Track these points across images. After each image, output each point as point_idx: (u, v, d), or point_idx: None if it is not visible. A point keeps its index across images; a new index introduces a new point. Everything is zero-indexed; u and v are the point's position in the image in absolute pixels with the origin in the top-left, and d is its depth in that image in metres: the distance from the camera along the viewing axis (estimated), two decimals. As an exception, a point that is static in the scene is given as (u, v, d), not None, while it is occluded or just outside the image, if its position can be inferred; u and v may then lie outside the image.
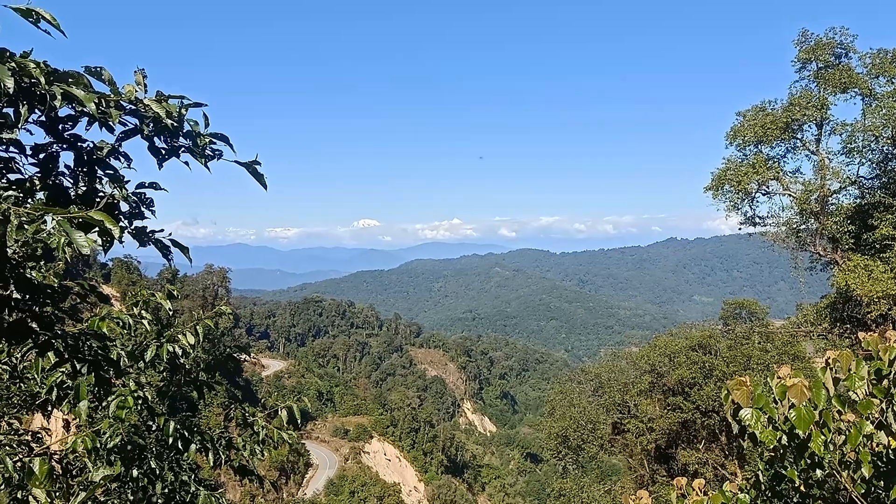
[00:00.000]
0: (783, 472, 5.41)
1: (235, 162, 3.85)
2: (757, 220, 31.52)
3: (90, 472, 5.61)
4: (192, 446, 6.46)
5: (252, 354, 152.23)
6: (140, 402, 5.96)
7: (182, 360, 6.38)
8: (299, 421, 7.65)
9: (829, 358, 5.26)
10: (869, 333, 5.32)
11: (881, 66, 28.18)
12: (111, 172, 3.63)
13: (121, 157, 3.69)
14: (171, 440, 6.09)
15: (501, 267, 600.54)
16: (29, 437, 6.70)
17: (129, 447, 5.99)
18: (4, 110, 3.11)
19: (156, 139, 3.60)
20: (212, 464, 6.53)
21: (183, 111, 3.55)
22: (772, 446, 5.12)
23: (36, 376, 5.61)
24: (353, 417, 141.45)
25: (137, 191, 3.78)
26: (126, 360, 6.00)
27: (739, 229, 32.38)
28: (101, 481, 5.47)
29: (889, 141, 27.85)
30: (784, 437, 5.03)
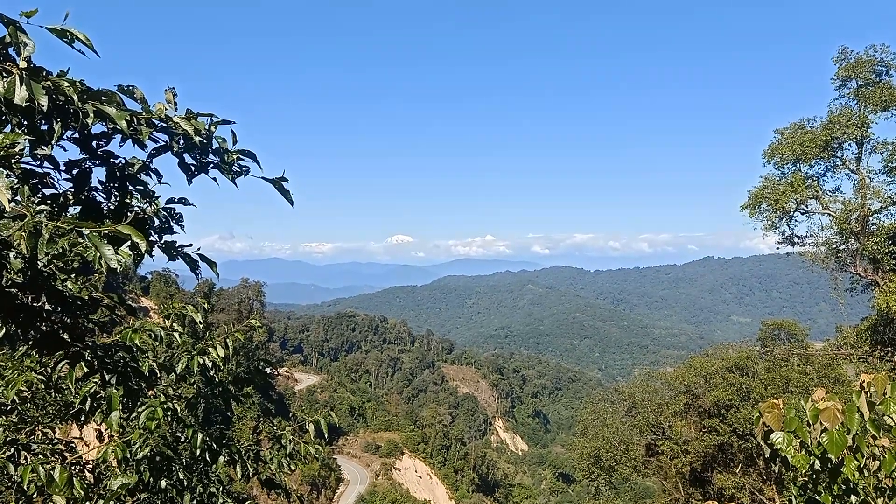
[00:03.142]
0: (817, 497, 5.27)
1: (262, 178, 3.93)
2: (795, 239, 30.95)
3: (110, 480, 5.72)
4: (221, 458, 6.53)
5: (285, 368, 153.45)
6: (170, 413, 6.05)
7: (212, 373, 6.46)
8: (326, 435, 7.68)
9: (863, 381, 5.13)
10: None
11: (924, 84, 27.61)
12: (142, 188, 3.73)
13: (152, 174, 3.79)
14: (198, 452, 6.16)
15: (534, 284, 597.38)
16: (63, 447, 6.85)
17: (157, 458, 6.08)
18: (40, 127, 3.22)
19: (185, 156, 3.69)
20: (239, 476, 6.59)
21: (212, 128, 3.65)
22: (804, 471, 5.00)
23: (70, 386, 5.74)
24: (384, 433, 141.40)
25: (167, 206, 3.88)
26: (157, 371, 6.11)
27: (777, 249, 31.82)
28: (119, 489, 5.56)
29: (933, 159, 27.20)
30: (817, 461, 4.91)
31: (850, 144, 29.62)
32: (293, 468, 7.28)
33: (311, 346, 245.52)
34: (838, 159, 29.98)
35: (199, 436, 6.14)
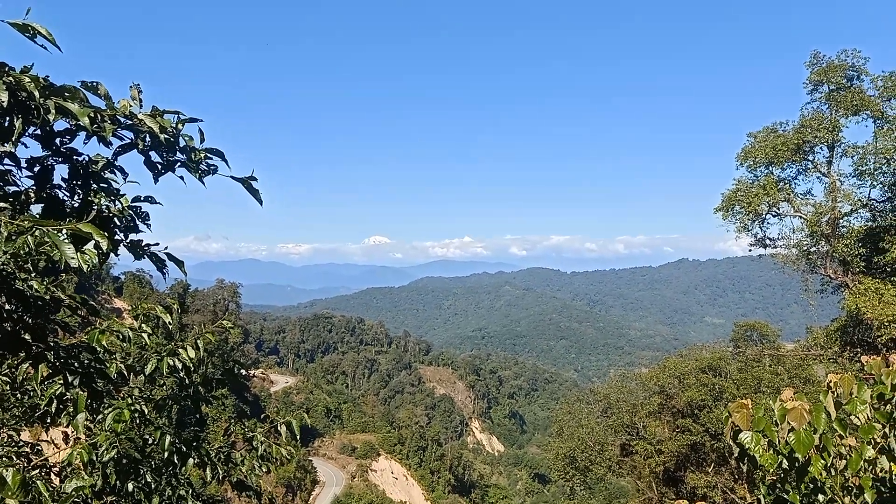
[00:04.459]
0: (785, 496, 5.33)
1: (231, 177, 3.87)
2: (767, 241, 31.34)
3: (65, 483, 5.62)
4: (190, 461, 6.45)
5: (261, 370, 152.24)
6: (137, 415, 5.95)
7: (182, 374, 6.37)
8: (299, 437, 7.62)
9: (831, 381, 5.20)
10: (872, 357, 5.27)
11: (893, 90, 28.10)
12: (106, 186, 3.66)
13: (116, 171, 3.72)
14: (166, 454, 6.07)
15: (512, 285, 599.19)
16: (28, 449, 6.72)
17: (124, 461, 5.98)
18: (1, 124, 3.14)
19: (151, 154, 3.63)
20: (209, 478, 6.51)
21: (178, 126, 3.59)
22: (772, 470, 5.05)
23: (36, 388, 5.63)
24: (360, 435, 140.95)
25: (133, 204, 3.81)
26: (125, 373, 6.01)
27: (750, 251, 32.20)
28: (74, 493, 5.46)
29: (901, 164, 27.69)
30: (784, 460, 4.97)
31: (821, 148, 30.06)
32: (265, 470, 7.21)
33: (287, 347, 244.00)
34: (810, 163, 30.42)
35: (168, 438, 6.06)
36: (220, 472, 6.72)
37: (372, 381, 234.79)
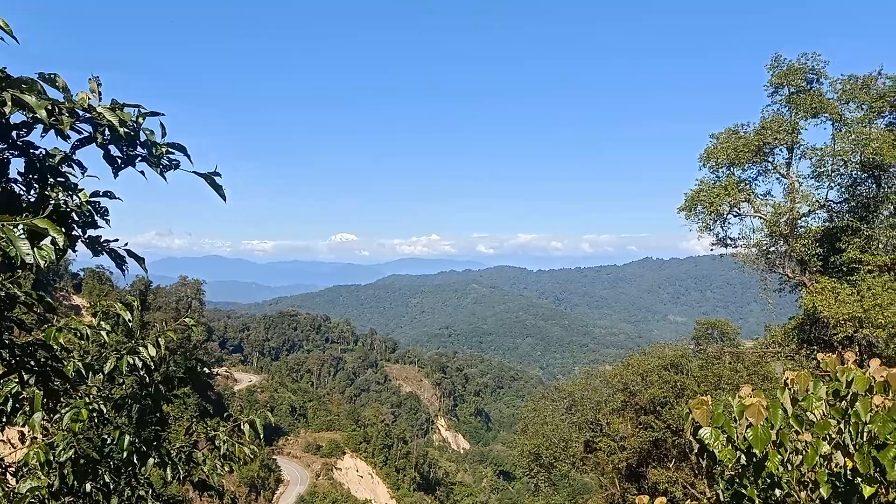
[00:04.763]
0: (743, 491, 5.43)
1: (194, 172, 3.81)
2: (728, 241, 31.87)
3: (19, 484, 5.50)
4: (150, 461, 6.34)
5: (225, 368, 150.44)
6: (95, 415, 5.84)
7: (142, 373, 6.26)
8: (262, 435, 7.55)
9: (787, 378, 5.32)
10: (828, 355, 5.40)
11: (851, 93, 28.78)
12: (63, 180, 3.57)
13: (74, 165, 3.64)
14: (126, 454, 5.96)
15: (479, 284, 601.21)
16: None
17: (82, 461, 5.86)
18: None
19: (111, 148, 3.55)
20: (170, 478, 6.42)
21: (139, 120, 3.52)
22: (730, 465, 5.15)
23: (-11, 387, 5.48)
24: (325, 433, 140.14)
25: (92, 199, 3.73)
26: (84, 372, 5.89)
27: (711, 250, 32.73)
28: (28, 493, 5.34)
29: (857, 166, 28.41)
30: (742, 456, 5.06)
31: (781, 150, 30.68)
32: (228, 469, 7.13)
33: (251, 345, 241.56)
34: (770, 164, 31.03)
35: (127, 437, 5.95)
36: (182, 471, 6.62)
37: (337, 380, 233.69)
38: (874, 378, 4.88)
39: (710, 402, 5.29)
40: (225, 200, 3.99)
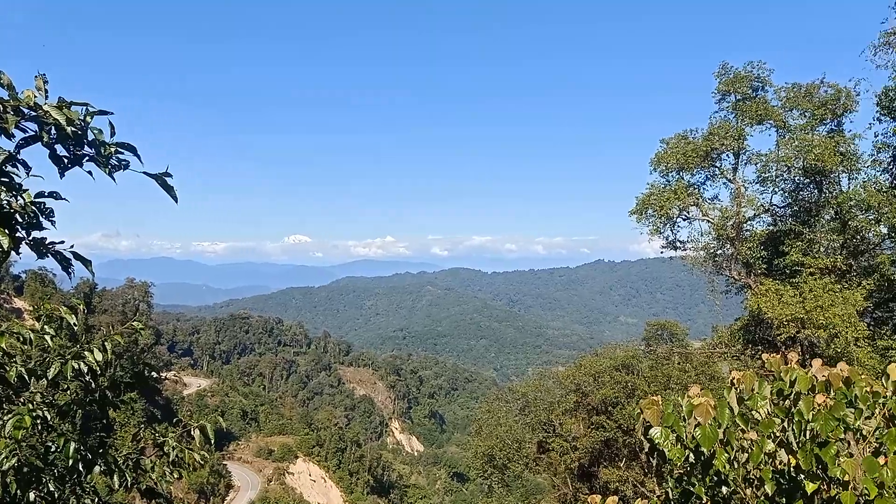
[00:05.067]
0: (691, 488, 5.55)
1: (144, 173, 3.72)
2: (678, 244, 32.59)
3: None
4: (96, 468, 6.17)
5: (173, 372, 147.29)
6: (39, 421, 5.65)
7: (88, 378, 6.08)
8: (213, 441, 7.41)
9: (734, 378, 5.45)
10: (772, 355, 5.55)
11: (794, 100, 29.73)
12: (7, 180, 3.45)
13: (19, 165, 3.52)
14: (71, 462, 5.79)
15: (434, 286, 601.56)
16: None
17: (25, 469, 5.67)
18: None
19: (57, 147, 3.44)
20: (117, 486, 6.25)
21: (87, 119, 3.42)
22: (679, 464, 5.25)
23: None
24: (277, 437, 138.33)
25: (37, 200, 3.61)
26: (26, 377, 5.69)
27: (661, 252, 33.42)
28: None
29: (800, 171, 29.35)
30: (691, 454, 5.17)
31: (727, 155, 31.53)
32: (177, 476, 6.98)
33: (201, 348, 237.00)
34: (717, 169, 31.84)
35: (72, 445, 5.77)
36: (129, 479, 6.46)
37: (290, 383, 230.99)
38: (816, 377, 5.04)
39: (660, 403, 5.39)
40: (177, 202, 3.92)
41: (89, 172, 3.59)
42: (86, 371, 5.93)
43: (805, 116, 29.59)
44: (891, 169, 30.84)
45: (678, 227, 32.24)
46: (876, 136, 30.68)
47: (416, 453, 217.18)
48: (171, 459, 6.86)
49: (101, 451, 6.14)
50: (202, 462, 7.21)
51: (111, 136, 3.55)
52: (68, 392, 6.24)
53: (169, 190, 3.84)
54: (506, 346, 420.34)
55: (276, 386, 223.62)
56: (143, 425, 7.33)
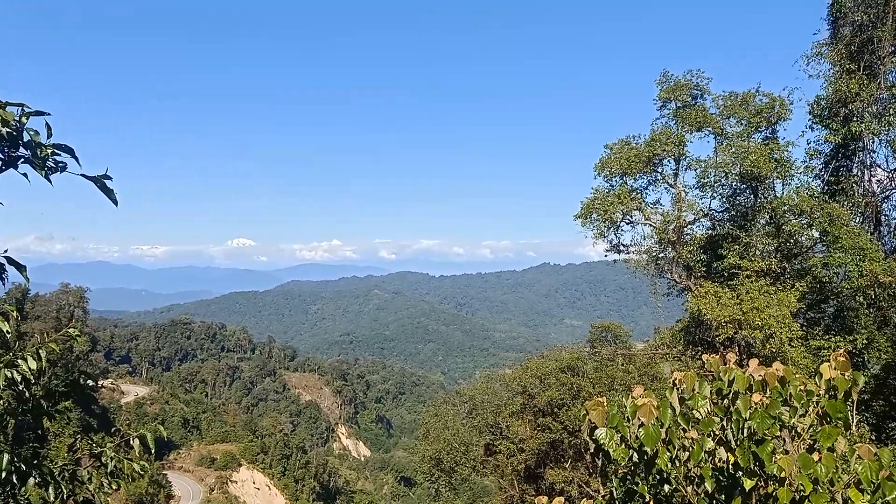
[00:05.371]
0: (634, 487, 5.66)
1: (82, 175, 3.60)
2: (621, 247, 33.21)
3: None
4: (31, 480, 5.94)
5: (110, 380, 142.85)
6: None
7: (21, 387, 5.85)
8: (154, 450, 7.22)
9: (675, 379, 5.59)
10: (712, 356, 5.71)
11: (731, 108, 30.71)
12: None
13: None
14: (4, 474, 5.55)
15: (381, 289, 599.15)
16: None
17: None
18: None
19: (-10, 148, 3.30)
20: (52, 498, 6.03)
21: (22, 119, 3.29)
22: (624, 463, 5.36)
23: None
24: (220, 445, 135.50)
25: (-35, 203, 3.46)
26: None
27: (606, 256, 34.02)
28: None
29: (737, 177, 30.30)
30: (635, 454, 5.28)
31: (668, 161, 32.31)
32: (115, 487, 6.77)
33: (140, 355, 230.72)
34: (659, 174, 32.60)
35: (5, 456, 5.54)
36: (65, 491, 6.24)
37: (234, 389, 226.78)
38: (753, 377, 5.20)
39: (605, 404, 5.49)
40: (116, 205, 3.80)
41: (24, 175, 3.45)
42: (19, 380, 5.72)
43: (741, 124, 30.58)
44: (822, 175, 32.20)
45: (622, 230, 32.88)
46: (808, 144, 32.06)
47: (362, 458, 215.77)
48: (108, 470, 6.66)
49: (35, 462, 5.91)
50: (141, 472, 7.02)
51: (48, 138, 3.43)
52: (0, 402, 5.99)
53: (108, 193, 3.72)
54: (453, 349, 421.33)
55: (219, 393, 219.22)
56: (79, 435, 7.10)
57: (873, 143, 30.52)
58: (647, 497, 5.59)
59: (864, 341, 27.26)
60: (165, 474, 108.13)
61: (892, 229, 31.49)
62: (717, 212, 32.58)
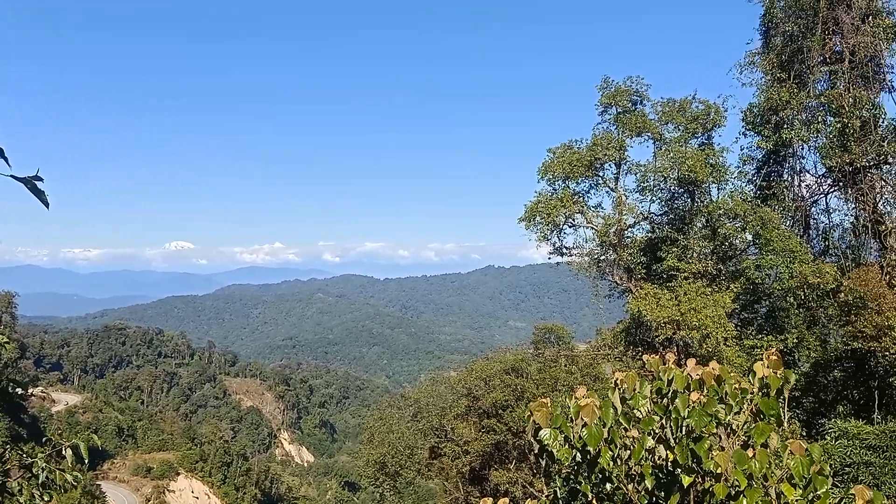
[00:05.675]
0: (577, 487, 5.73)
1: (11, 177, 3.44)
2: (564, 250, 33.75)
3: None
4: (-47, 496, 5.66)
5: (40, 388, 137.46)
6: None
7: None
8: (87, 460, 6.98)
9: (617, 379, 5.69)
10: (651, 356, 5.83)
11: (670, 114, 31.59)
12: None
13: None
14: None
15: (324, 293, 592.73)
16: None
17: None
18: None
19: None
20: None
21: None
22: (567, 463, 5.42)
23: None
24: (157, 454, 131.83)
25: None
26: None
27: (549, 258, 34.50)
28: None
29: (675, 182, 31.18)
30: (578, 453, 5.34)
31: (610, 165, 33.00)
32: (47, 499, 6.53)
33: (72, 362, 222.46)
34: (600, 178, 33.26)
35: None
36: (-9, 505, 5.97)
37: (171, 396, 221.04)
38: (691, 376, 5.33)
39: (549, 404, 5.55)
40: (48, 207, 3.64)
41: (-54, 175, 3.28)
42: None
43: (679, 130, 31.49)
44: (755, 180, 33.42)
45: (564, 233, 33.43)
46: (742, 150, 33.31)
47: (306, 464, 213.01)
48: (40, 481, 6.42)
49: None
50: (74, 483, 6.79)
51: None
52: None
53: (39, 195, 3.56)
54: (398, 352, 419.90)
55: (156, 400, 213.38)
56: (7, 445, 6.80)
57: (803, 149, 31.88)
58: (590, 496, 5.66)
59: (795, 340, 28.39)
60: (99, 485, 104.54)
61: (820, 232, 32.90)
62: (656, 215, 33.40)
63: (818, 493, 4.83)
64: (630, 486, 5.47)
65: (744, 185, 32.82)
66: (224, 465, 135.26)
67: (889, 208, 29.74)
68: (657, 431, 5.38)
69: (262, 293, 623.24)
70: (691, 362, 5.63)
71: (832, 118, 29.65)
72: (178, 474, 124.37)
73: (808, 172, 32.78)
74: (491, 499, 6.42)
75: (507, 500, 6.32)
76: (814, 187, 32.81)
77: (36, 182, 3.56)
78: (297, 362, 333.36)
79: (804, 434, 25.24)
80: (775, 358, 5.34)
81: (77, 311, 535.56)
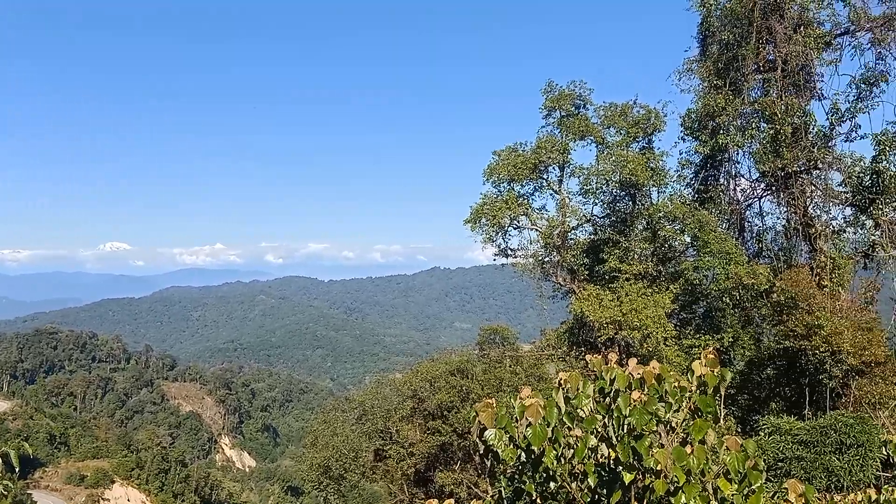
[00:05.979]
0: (522, 486, 5.76)
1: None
2: (509, 251, 34.04)
3: None
4: None
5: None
6: None
7: None
8: (18, 469, 6.69)
9: (560, 379, 5.75)
10: (594, 356, 5.91)
11: (612, 118, 32.22)
12: None
13: None
14: None
15: (267, 295, 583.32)
16: None
17: None
18: None
19: None
20: None
21: None
22: (512, 463, 5.44)
23: None
24: (91, 461, 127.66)
25: None
26: None
27: (494, 260, 34.74)
28: None
29: (617, 185, 31.80)
30: (522, 453, 5.38)
31: (554, 168, 33.45)
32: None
33: (1, 367, 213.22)
34: (545, 181, 33.68)
35: None
36: None
37: (106, 402, 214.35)
38: (632, 375, 5.42)
39: (494, 405, 5.56)
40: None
41: None
42: None
43: (621, 134, 32.13)
44: (693, 184, 34.33)
45: (509, 235, 33.72)
46: (680, 154, 34.15)
47: (247, 469, 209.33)
48: (-37, 494, 6.10)
49: None
50: (4, 493, 6.52)
51: None
52: None
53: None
54: (343, 354, 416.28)
55: (90, 406, 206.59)
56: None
57: (738, 154, 32.89)
58: (535, 495, 5.69)
59: (731, 339, 29.29)
60: (30, 494, 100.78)
61: (754, 235, 33.99)
62: (598, 217, 33.98)
63: (753, 487, 4.98)
64: (573, 485, 5.52)
65: (682, 188, 33.70)
66: (162, 472, 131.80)
67: (819, 212, 30.91)
68: (600, 430, 5.45)
69: (203, 295, 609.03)
70: (633, 362, 5.72)
71: (765, 125, 30.66)
72: (114, 482, 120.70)
73: (743, 177, 33.81)
74: (436, 500, 6.41)
75: (452, 501, 6.32)
76: (748, 191, 33.86)
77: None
78: (238, 365, 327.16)
79: (739, 430, 26.03)
80: (712, 357, 5.48)
81: (5, 314, 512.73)
